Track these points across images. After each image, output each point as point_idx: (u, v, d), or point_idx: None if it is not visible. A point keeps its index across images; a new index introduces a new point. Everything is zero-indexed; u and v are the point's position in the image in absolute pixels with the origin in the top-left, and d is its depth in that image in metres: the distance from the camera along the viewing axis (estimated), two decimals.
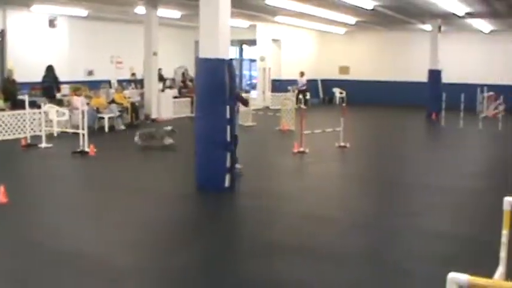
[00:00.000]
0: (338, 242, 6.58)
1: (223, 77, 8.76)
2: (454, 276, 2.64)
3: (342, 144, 13.74)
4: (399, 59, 28.37)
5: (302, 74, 26.04)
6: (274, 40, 26.85)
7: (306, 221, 7.42)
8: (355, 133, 16.44)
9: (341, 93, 29.13)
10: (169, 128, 13.67)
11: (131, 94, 19.70)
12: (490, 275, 4.14)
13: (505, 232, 4.26)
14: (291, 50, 27.87)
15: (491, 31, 25.66)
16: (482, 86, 23.00)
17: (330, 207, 8.32)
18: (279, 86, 25.90)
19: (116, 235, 6.72)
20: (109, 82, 20.83)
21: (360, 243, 6.56)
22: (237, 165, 9.71)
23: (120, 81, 21.04)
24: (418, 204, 8.61)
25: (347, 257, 6.05)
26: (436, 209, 8.21)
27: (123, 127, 16.87)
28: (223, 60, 8.82)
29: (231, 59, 9.11)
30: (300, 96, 23.79)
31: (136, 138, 13.35)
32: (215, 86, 8.77)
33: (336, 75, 30.28)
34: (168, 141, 13.40)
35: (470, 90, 22.34)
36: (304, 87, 25.62)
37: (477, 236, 6.87)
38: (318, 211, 7.95)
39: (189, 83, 22.61)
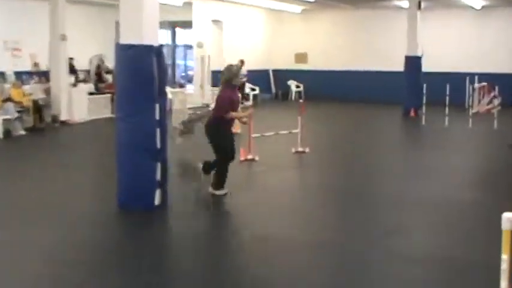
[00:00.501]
0: (294, 270, 6.63)
1: (151, 68, 8.72)
2: None
3: (300, 149, 13.85)
4: (370, 43, 28.76)
5: (242, 62, 25.93)
6: (215, 21, 26.84)
7: (254, 244, 7.45)
8: (316, 135, 16.60)
9: (298, 86, 29.37)
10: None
11: (33, 90, 19.32)
12: None
13: (504, 257, 4.28)
14: (235, 33, 27.90)
15: (483, 7, 26.26)
16: (472, 75, 23.53)
17: (284, 225, 8.36)
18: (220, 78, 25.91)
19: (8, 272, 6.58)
20: (3, 74, 20.39)
21: (321, 272, 6.63)
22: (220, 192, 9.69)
23: (18, 74, 20.62)
24: (393, 221, 8.75)
25: None
26: (415, 227, 8.36)
27: (23, 132, 16.56)
28: (150, 47, 8.77)
29: (160, 46, 9.08)
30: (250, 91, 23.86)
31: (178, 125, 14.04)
32: (140, 79, 8.71)
33: (291, 65, 30.44)
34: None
35: (457, 80, 22.83)
36: (244, 80, 25.44)
37: (467, 262, 6.97)
38: (270, 230, 7.98)
39: (107, 76, 22.39)
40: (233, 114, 9.51)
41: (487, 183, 11.61)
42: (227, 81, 9.48)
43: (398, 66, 23.79)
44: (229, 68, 9.59)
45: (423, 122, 19.92)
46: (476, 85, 23.13)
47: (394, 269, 6.73)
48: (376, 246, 7.46)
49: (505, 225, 4.20)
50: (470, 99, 22.77)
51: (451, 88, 19.64)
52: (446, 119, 19.26)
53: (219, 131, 9.53)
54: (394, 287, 6.18)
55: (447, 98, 19.40)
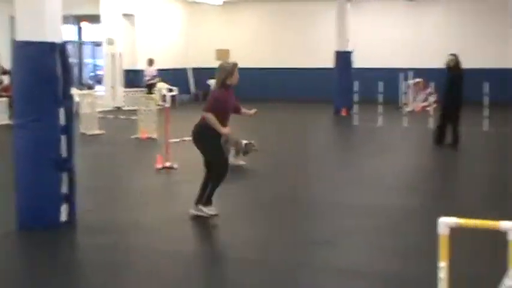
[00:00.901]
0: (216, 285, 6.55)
1: (53, 67, 8.50)
2: None
3: None
4: (297, 38, 29.01)
5: (151, 62, 25.69)
6: (126, 15, 26.54)
7: (171, 261, 7.32)
8: (241, 138, 16.64)
9: None
10: (244, 141, 13.35)
11: None
12: None
13: (442, 265, 4.36)
14: (149, 29, 27.69)
15: None
16: (406, 70, 24.01)
17: (207, 239, 8.28)
18: (134, 78, 25.63)
19: None
20: None
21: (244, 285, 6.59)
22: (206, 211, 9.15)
23: None
24: (327, 229, 8.78)
25: None
26: (350, 236, 8.40)
27: None
28: (52, 44, 8.55)
29: (64, 43, 8.87)
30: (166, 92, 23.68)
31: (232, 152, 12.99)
32: (41, 80, 8.47)
33: (212, 63, 30.36)
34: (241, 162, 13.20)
35: (391, 76, 23.25)
36: (154, 80, 25.13)
37: (407, 272, 7.04)
38: (190, 246, 7.88)
39: (2, 77, 21.81)
40: (211, 120, 8.84)
41: (424, 186, 11.82)
42: (223, 80, 8.95)
43: (328, 62, 24.04)
44: (224, 66, 9.07)
45: (355, 122, 20.17)
46: (411, 81, 23.58)
47: (333, 281, 6.75)
48: (312, 258, 7.48)
49: (442, 230, 4.25)
50: (405, 97, 23.16)
51: (384, 85, 19.92)
52: (380, 118, 19.55)
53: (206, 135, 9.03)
54: None
55: (380, 96, 19.68)
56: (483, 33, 27.26)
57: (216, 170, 9.03)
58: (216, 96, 9.03)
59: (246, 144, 13.12)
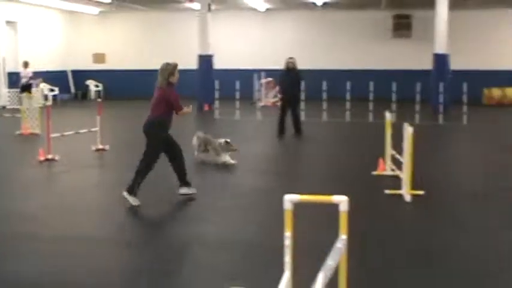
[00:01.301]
0: (100, 267, 6.36)
1: None
2: None
3: (100, 146, 13.49)
4: (165, 43, 28.83)
5: (26, 64, 24.46)
6: (9, 22, 25.46)
7: (52, 245, 7.04)
8: (116, 132, 16.39)
9: (97, 86, 28.77)
10: (222, 140, 12.10)
11: None
12: (277, 283, 4.31)
13: (287, 234, 4.46)
14: (31, 35, 26.68)
15: (268, 9, 27.35)
16: (259, 71, 24.44)
17: (90, 225, 8.03)
18: (16, 80, 24.61)
19: None
20: None
21: (129, 265, 6.44)
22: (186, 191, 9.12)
23: None
24: (198, 208, 8.75)
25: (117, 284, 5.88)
26: (217, 213, 8.42)
27: None
28: None
29: None
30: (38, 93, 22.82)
31: (195, 142, 12.05)
32: None
33: (89, 65, 29.78)
34: (227, 158, 11.93)
35: (246, 76, 23.60)
36: (30, 82, 23.83)
37: (261, 240, 7.19)
38: (72, 232, 7.61)
39: None
40: (184, 110, 8.88)
41: (274, 169, 12.03)
42: (167, 79, 8.81)
43: (193, 64, 24.04)
44: (166, 67, 8.91)
45: (216, 116, 20.26)
46: (263, 81, 24.00)
47: (203, 252, 6.73)
48: (188, 234, 7.44)
49: (286, 206, 4.34)
50: (258, 94, 23.64)
51: (241, 84, 20.17)
52: (238, 112, 19.75)
53: (163, 129, 8.93)
54: (204, 269, 6.12)
55: (237, 93, 19.90)
56: (317, 40, 28.21)
57: (145, 160, 8.87)
58: (175, 94, 8.89)
59: (225, 142, 12.02)
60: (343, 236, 4.43)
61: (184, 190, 9.17)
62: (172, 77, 8.87)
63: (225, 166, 11.77)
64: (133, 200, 8.65)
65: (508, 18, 27.34)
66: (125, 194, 8.70)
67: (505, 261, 6.49)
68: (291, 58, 16.11)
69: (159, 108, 8.84)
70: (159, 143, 8.91)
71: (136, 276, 6.09)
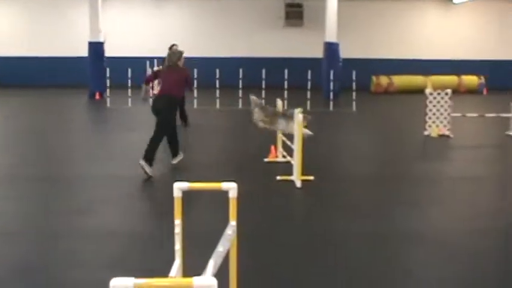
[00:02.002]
0: None
1: None
2: (117, 282, 2.64)
3: None
4: (51, 29, 27.98)
5: None
6: None
7: None
8: (5, 122, 15.85)
9: None
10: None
11: None
12: (168, 270, 4.33)
13: (177, 222, 4.49)
14: None
15: None
16: (152, 59, 24.20)
17: None
18: None
19: None
20: None
21: (6, 257, 6.26)
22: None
23: None
24: (86, 199, 8.59)
25: None
26: (105, 204, 8.31)
27: None
28: None
29: None
30: None
31: (256, 116, 10.22)
32: None
33: None
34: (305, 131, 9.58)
35: (139, 64, 23.33)
36: None
37: (151, 229, 7.17)
38: None
39: None
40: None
41: (167, 158, 12.01)
42: (175, 63, 10.11)
43: (83, 51, 23.52)
44: (175, 52, 10.58)
45: (108, 104, 19.90)
46: (156, 68, 23.74)
47: (89, 243, 6.59)
48: (70, 225, 7.28)
49: (176, 193, 4.37)
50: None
51: (132, 71, 19.92)
52: (129, 100, 19.50)
53: (177, 107, 10.46)
54: (88, 260, 6.02)
55: (129, 81, 19.64)
56: (210, 28, 28.27)
57: (159, 132, 10.01)
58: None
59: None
60: (232, 223, 4.50)
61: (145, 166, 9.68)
62: (180, 62, 10.19)
63: None
64: (147, 167, 9.61)
65: (394, 8, 28.38)
66: (142, 162, 9.60)
67: (392, 244, 6.80)
68: (173, 45, 15.84)
69: (181, 87, 10.17)
70: (174, 117, 10.34)
71: (8, 270, 5.93)
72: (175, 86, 9.99)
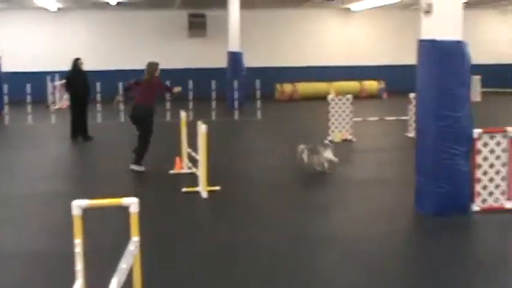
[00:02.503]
0: None
1: None
2: None
3: None
4: None
5: None
6: None
7: None
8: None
9: None
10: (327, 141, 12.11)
11: None
12: None
13: (77, 241, 4.38)
14: None
15: (59, 9, 26.42)
16: (52, 73, 23.57)
17: None
18: None
19: None
20: None
21: None
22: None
23: None
24: None
25: None
26: (5, 224, 8.03)
27: None
28: None
29: None
30: None
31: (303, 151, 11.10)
32: None
33: None
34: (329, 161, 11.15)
35: (38, 79, 22.73)
36: None
37: (51, 249, 6.97)
38: None
39: None
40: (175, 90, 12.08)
41: (67, 173, 11.75)
42: (153, 74, 11.53)
43: None
44: (152, 64, 11.77)
45: (6, 122, 19.21)
46: (57, 83, 23.22)
47: None
48: None
49: (75, 212, 4.27)
50: (52, 97, 22.88)
51: (32, 87, 19.30)
52: (30, 117, 18.89)
53: (153, 113, 11.35)
54: None
55: (29, 96, 19.01)
56: (112, 40, 27.86)
57: (145, 138, 11.28)
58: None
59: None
60: (135, 238, 4.45)
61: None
62: (156, 72, 11.59)
63: None
64: (139, 168, 11.26)
65: (295, 17, 28.86)
66: (133, 166, 11.24)
67: (299, 248, 6.88)
68: (79, 59, 15.61)
69: (152, 97, 11.41)
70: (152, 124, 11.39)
71: None
72: (148, 96, 11.29)
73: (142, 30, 28.06)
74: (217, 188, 9.44)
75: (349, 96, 14.90)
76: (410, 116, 14.80)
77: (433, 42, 7.86)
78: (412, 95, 13.97)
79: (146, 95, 11.27)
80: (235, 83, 20.73)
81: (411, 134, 14.31)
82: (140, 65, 27.30)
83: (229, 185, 9.85)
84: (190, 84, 19.35)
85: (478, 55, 26.96)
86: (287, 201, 9.15)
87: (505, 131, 8.13)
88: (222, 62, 24.22)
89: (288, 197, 9.46)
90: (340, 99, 14.73)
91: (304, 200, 9.24)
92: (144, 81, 11.44)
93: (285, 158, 12.81)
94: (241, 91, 21.26)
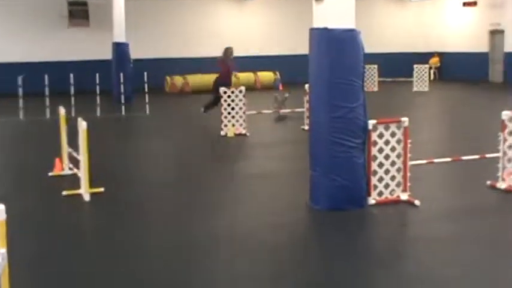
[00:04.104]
0: None
1: None
2: None
3: None
4: None
5: None
6: None
7: None
8: None
9: None
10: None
11: None
12: None
13: (2, 251, 4.12)
14: None
15: None
16: None
17: None
18: None
19: None
20: None
21: None
22: None
23: None
24: None
25: None
26: None
27: None
28: None
29: None
30: None
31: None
32: None
33: None
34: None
35: None
36: None
37: None
38: None
39: None
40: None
41: None
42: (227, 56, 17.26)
43: None
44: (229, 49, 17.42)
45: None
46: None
47: None
48: None
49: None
50: None
51: None
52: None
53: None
54: None
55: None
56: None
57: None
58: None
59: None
60: (1, 250, 4.23)
61: None
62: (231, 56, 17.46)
63: None
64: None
65: (185, 5, 28.71)
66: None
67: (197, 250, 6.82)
68: None
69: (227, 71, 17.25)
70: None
71: None
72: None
73: (15, 18, 26.96)
74: (101, 189, 9.21)
75: (242, 88, 14.94)
76: (306, 108, 15.03)
77: (324, 30, 7.96)
78: (307, 86, 14.18)
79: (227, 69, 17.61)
80: (121, 76, 20.36)
81: (307, 127, 14.53)
82: (12, 58, 26.46)
83: (114, 187, 9.63)
84: (72, 78, 18.81)
85: (376, 45, 28.15)
86: (179, 200, 9.06)
87: (400, 121, 8.37)
88: (106, 54, 23.76)
89: (181, 195, 9.37)
90: (232, 92, 14.73)
91: (198, 197, 9.16)
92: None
93: (177, 154, 12.71)
94: (128, 84, 20.90)
